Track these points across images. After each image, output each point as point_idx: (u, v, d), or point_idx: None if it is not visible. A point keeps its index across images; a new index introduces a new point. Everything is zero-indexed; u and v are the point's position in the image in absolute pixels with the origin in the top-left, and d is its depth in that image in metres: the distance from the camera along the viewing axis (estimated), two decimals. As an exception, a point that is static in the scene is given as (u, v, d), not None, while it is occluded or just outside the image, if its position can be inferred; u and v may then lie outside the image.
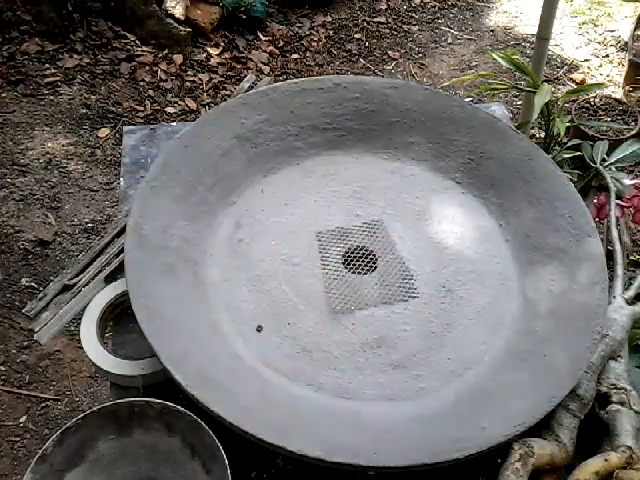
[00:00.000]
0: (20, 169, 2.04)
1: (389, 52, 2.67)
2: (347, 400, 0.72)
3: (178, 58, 2.46)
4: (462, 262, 0.85)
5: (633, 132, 2.08)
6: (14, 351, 1.68)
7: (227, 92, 2.39)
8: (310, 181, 0.92)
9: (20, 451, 1.53)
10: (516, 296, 0.82)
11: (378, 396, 0.72)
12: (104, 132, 2.21)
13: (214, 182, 0.87)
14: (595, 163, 1.31)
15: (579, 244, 0.80)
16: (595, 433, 0.71)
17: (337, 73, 2.51)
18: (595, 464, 0.65)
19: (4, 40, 2.38)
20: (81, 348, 0.77)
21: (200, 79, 2.43)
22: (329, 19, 2.78)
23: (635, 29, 2.50)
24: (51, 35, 2.40)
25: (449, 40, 2.76)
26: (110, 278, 0.86)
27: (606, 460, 0.65)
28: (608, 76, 2.54)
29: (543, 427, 0.69)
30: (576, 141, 1.60)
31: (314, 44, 2.66)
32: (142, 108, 2.30)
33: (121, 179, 0.99)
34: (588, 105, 2.27)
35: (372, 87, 0.95)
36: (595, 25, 2.81)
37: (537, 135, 2.15)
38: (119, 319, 0.82)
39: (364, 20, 2.79)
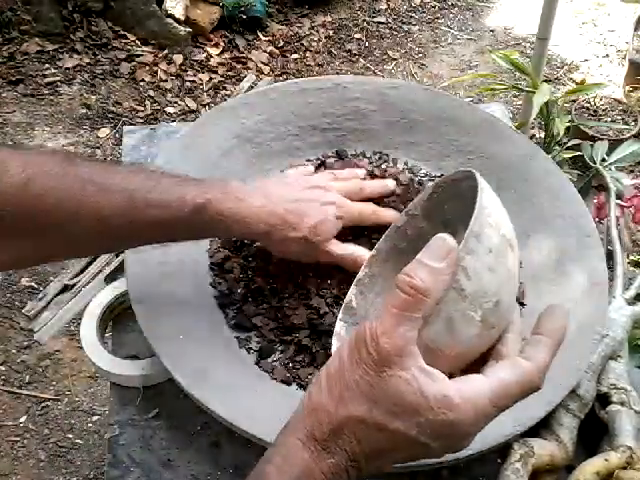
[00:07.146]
0: (20, 169, 2.04)
1: (389, 52, 2.68)
2: (347, 400, 0.71)
3: (178, 58, 2.46)
4: (462, 262, 0.85)
5: (633, 132, 2.08)
6: (14, 351, 1.68)
7: (227, 92, 2.39)
8: (310, 181, 0.92)
9: (20, 451, 1.53)
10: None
11: (378, 396, 0.72)
12: (104, 132, 2.21)
13: (214, 182, 0.87)
14: (595, 163, 1.31)
15: (579, 244, 0.80)
16: (595, 433, 0.71)
17: (337, 73, 2.51)
18: (595, 464, 0.65)
19: (4, 40, 2.38)
20: (81, 348, 0.77)
21: (200, 79, 2.43)
22: (329, 19, 2.78)
23: (635, 29, 2.50)
24: (51, 35, 2.41)
25: (449, 40, 2.76)
26: (110, 278, 0.86)
27: (606, 460, 0.65)
28: (608, 76, 2.54)
29: (543, 427, 0.69)
30: (576, 141, 1.60)
31: (314, 44, 2.66)
32: (142, 108, 2.30)
33: (121, 179, 0.98)
34: (588, 105, 2.27)
35: (372, 87, 0.95)
36: (595, 25, 2.81)
37: (537, 135, 2.15)
38: (119, 319, 0.82)
39: (364, 20, 2.79)
